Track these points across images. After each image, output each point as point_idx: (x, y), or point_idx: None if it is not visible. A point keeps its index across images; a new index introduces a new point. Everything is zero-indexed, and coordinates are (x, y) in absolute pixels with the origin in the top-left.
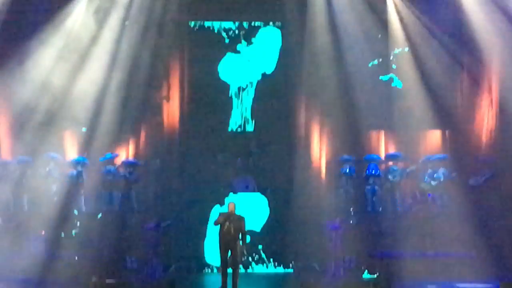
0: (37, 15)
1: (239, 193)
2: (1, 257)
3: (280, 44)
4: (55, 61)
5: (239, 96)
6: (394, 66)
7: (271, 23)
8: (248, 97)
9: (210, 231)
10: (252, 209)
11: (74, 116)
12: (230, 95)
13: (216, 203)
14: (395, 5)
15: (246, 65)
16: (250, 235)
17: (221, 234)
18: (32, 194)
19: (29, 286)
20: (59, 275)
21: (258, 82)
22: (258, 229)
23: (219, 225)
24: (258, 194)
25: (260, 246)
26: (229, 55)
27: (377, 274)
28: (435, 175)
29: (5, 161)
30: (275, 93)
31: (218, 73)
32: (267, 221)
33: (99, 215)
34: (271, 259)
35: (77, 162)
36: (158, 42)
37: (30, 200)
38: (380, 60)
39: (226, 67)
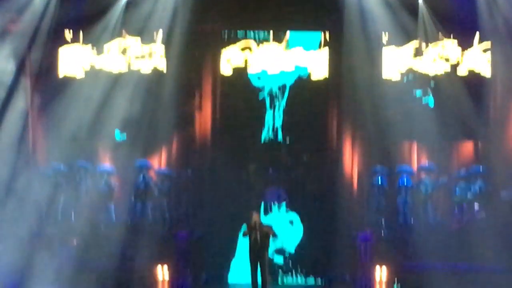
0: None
1: (271, 214)
2: (34, 267)
3: (316, 48)
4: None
5: (271, 105)
6: (432, 84)
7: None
8: (281, 105)
9: (238, 250)
10: (285, 229)
11: (107, 126)
12: (262, 104)
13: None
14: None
15: (280, 70)
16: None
17: (250, 245)
18: (65, 203)
19: None
20: (89, 285)
21: (291, 88)
22: (292, 249)
23: (247, 236)
24: (290, 214)
25: (287, 253)
26: (262, 59)
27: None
28: (471, 188)
29: (40, 168)
30: (307, 102)
31: (250, 80)
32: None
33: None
34: (302, 271)
35: (106, 172)
36: (190, 52)
37: (63, 209)
38: (416, 74)
39: (259, 72)
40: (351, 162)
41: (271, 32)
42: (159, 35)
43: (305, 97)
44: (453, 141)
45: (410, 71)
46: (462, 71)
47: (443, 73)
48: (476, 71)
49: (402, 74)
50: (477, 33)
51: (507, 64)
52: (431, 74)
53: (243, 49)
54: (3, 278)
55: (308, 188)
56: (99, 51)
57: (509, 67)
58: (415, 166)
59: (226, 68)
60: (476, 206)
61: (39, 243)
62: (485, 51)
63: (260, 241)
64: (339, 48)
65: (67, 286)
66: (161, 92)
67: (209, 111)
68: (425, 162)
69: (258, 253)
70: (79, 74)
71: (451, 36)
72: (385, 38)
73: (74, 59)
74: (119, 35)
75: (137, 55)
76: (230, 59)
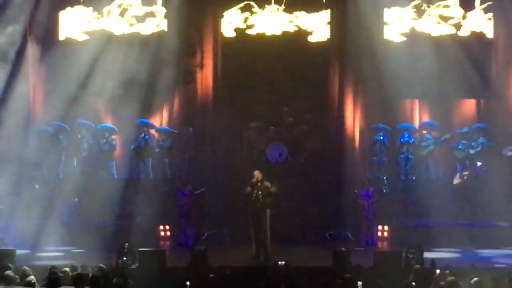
0: None
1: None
2: (36, 225)
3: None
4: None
5: (273, 64)
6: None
7: None
8: (283, 64)
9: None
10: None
11: (107, 84)
12: (264, 62)
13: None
14: None
15: (280, 28)
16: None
17: (251, 203)
18: (66, 160)
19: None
20: (92, 243)
21: (293, 47)
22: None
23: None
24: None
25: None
26: (263, 20)
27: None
28: (473, 144)
29: (41, 127)
30: (310, 61)
31: (251, 38)
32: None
33: None
34: (304, 228)
35: (107, 130)
36: (191, 8)
37: (65, 166)
38: (418, 34)
39: (260, 29)
40: (353, 120)
41: None
42: None
43: (307, 56)
44: (455, 99)
45: (412, 31)
46: (464, 31)
47: (445, 33)
48: (478, 30)
49: (404, 34)
50: None
51: (508, 24)
52: (433, 34)
53: (244, 11)
54: (5, 235)
55: (310, 146)
56: (100, 13)
57: (511, 27)
58: (417, 124)
59: (227, 28)
60: (478, 162)
61: (41, 201)
62: (486, 12)
63: (262, 199)
64: (342, 8)
65: (68, 243)
66: (162, 50)
67: (211, 69)
68: (427, 119)
69: (259, 210)
70: (81, 35)
71: None
72: None
73: (76, 21)
74: None
75: (138, 16)
76: (231, 21)
